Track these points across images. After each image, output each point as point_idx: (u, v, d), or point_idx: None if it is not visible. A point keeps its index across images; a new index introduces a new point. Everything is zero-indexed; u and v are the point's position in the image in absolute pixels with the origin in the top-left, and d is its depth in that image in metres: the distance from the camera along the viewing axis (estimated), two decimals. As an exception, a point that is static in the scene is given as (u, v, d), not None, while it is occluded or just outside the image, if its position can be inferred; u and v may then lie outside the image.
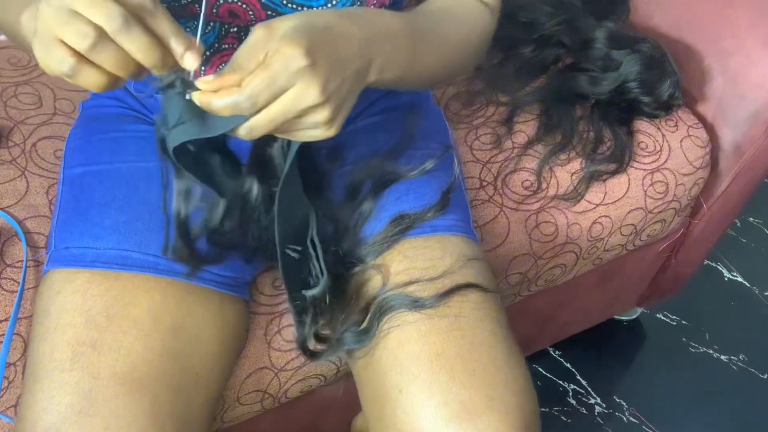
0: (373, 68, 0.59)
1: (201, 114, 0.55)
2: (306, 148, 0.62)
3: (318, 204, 0.74)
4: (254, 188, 0.68)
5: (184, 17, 0.74)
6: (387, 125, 0.83)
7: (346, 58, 0.55)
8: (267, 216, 0.70)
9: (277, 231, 0.68)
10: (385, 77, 0.61)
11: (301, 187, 0.70)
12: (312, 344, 0.75)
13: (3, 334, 0.76)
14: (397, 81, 0.63)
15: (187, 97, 0.54)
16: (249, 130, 0.54)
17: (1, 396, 0.75)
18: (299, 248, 0.71)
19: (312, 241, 0.72)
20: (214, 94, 0.52)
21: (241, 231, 0.71)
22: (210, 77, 0.53)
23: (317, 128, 0.55)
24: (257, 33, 0.53)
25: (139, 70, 0.53)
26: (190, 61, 0.53)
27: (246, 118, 0.53)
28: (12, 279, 0.80)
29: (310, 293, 0.73)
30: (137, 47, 0.51)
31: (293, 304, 0.74)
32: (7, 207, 0.84)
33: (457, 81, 1.04)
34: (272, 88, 0.51)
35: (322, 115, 0.54)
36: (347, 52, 0.55)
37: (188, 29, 0.75)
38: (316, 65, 0.52)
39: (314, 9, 0.70)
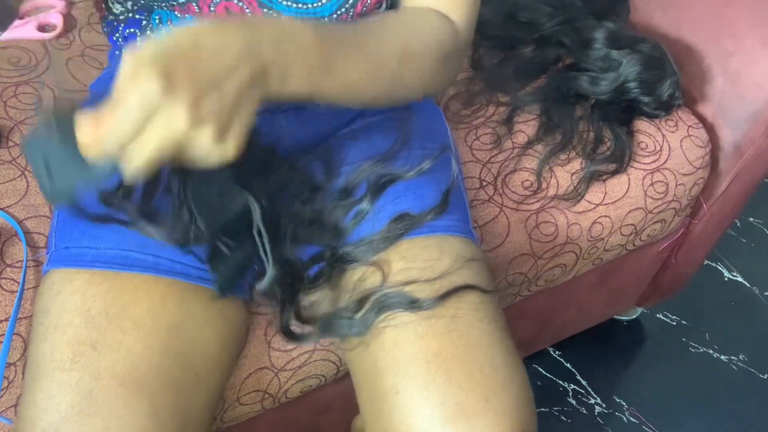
0: (272, 76, 0.54)
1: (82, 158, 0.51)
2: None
3: (310, 204, 0.73)
4: (174, 185, 0.64)
5: (183, 15, 0.74)
6: (385, 126, 0.83)
7: (220, 71, 0.50)
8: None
9: (204, 225, 0.63)
10: (293, 84, 0.56)
11: (230, 178, 0.64)
12: (296, 327, 0.73)
13: (3, 334, 0.76)
14: (314, 90, 0.59)
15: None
16: (130, 172, 0.50)
17: (1, 396, 0.75)
18: (231, 243, 0.67)
19: (259, 232, 0.67)
20: (88, 145, 0.50)
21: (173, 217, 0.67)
22: (88, 117, 0.50)
23: (209, 151, 0.51)
24: (124, 63, 0.49)
25: None
26: None
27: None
28: (12, 279, 0.80)
29: (259, 287, 0.69)
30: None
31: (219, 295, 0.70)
32: (7, 207, 0.84)
33: (457, 81, 1.04)
34: (133, 124, 0.48)
35: (204, 137, 0.49)
36: (221, 64, 0.50)
37: None
38: (175, 89, 0.47)
39: (308, 5, 0.70)
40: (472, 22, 0.75)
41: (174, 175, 0.64)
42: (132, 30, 0.78)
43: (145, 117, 0.48)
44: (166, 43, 0.49)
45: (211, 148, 0.51)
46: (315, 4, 0.70)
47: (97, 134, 0.49)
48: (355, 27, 0.65)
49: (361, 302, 0.71)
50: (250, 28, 0.53)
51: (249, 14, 0.68)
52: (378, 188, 0.75)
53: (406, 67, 0.67)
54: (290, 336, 0.74)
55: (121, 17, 0.79)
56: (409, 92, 0.71)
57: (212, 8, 0.70)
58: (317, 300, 0.76)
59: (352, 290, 0.73)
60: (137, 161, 0.50)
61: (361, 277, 0.73)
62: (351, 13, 0.71)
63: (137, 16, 0.78)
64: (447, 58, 0.71)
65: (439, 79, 0.73)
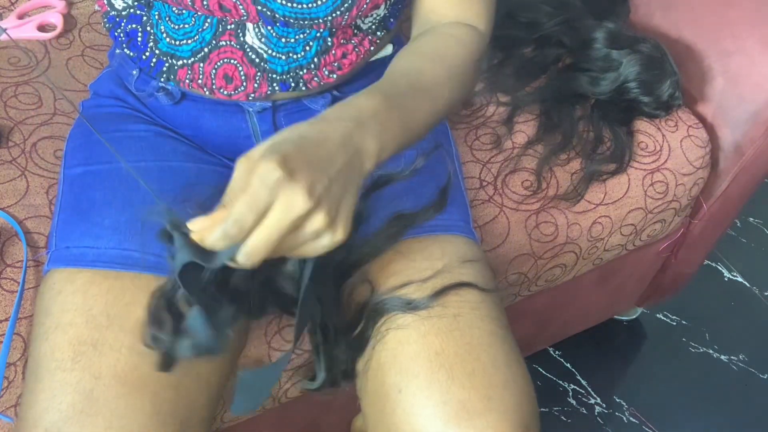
0: (366, 156, 0.58)
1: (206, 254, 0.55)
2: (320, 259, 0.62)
3: None
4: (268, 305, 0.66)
5: (180, 11, 0.74)
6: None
7: (327, 158, 0.55)
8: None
9: (294, 341, 0.66)
10: (384, 155, 0.61)
11: (316, 299, 0.67)
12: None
13: (3, 334, 0.76)
14: (401, 147, 0.63)
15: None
16: (247, 255, 0.53)
17: (1, 396, 0.75)
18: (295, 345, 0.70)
19: (315, 333, 0.71)
20: (206, 230, 0.53)
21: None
22: (201, 218, 0.53)
23: (321, 236, 0.54)
24: (239, 167, 0.53)
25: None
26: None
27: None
28: (12, 279, 0.80)
29: (308, 387, 0.72)
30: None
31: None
32: (7, 207, 0.84)
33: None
34: (255, 207, 0.51)
35: (318, 220, 0.53)
36: (326, 152, 0.55)
37: (187, 24, 0.75)
38: (294, 172, 0.51)
39: (303, 5, 0.70)
40: (492, 23, 0.78)
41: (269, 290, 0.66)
42: (133, 26, 0.78)
43: (266, 199, 0.51)
44: (275, 140, 0.54)
45: (324, 233, 0.54)
46: (310, 5, 0.70)
47: (212, 226, 0.52)
48: (410, 71, 0.69)
49: (359, 314, 0.71)
50: (338, 121, 0.58)
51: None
52: (372, 188, 0.75)
53: (454, 90, 0.71)
54: (337, 384, 0.74)
55: (123, 13, 0.79)
56: (457, 103, 0.75)
57: (205, 2, 0.70)
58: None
59: (350, 305, 0.73)
60: (256, 244, 0.52)
61: (357, 288, 0.73)
62: (346, 16, 0.72)
63: (138, 12, 0.78)
64: (478, 65, 0.75)
65: (473, 84, 0.77)
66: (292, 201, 0.51)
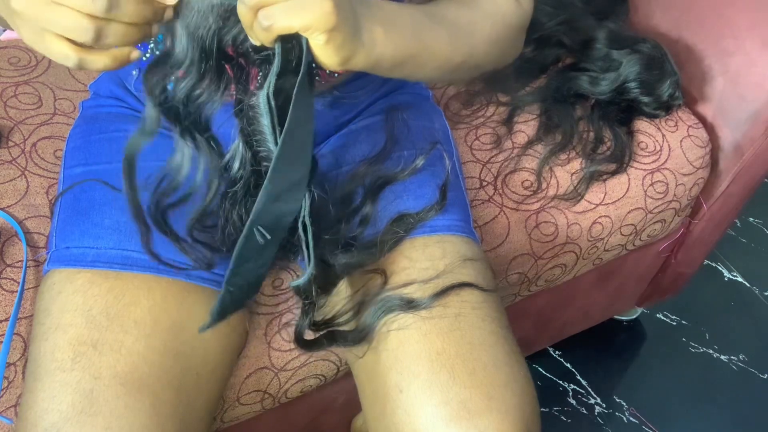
0: (375, 30, 0.57)
1: None
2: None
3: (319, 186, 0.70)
4: (238, 155, 0.60)
5: None
6: (384, 126, 0.83)
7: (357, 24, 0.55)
8: (245, 207, 0.64)
9: (261, 207, 0.57)
10: (386, 50, 0.59)
11: (306, 178, 0.60)
12: (308, 334, 0.73)
13: (3, 334, 0.76)
14: (405, 58, 0.61)
15: None
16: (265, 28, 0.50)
17: (1, 396, 0.75)
18: (268, 236, 0.60)
19: (303, 224, 0.64)
20: None
21: (214, 225, 0.65)
22: None
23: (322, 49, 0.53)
24: None
25: (144, 34, 0.51)
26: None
27: None
28: (12, 279, 0.80)
29: (295, 283, 0.68)
30: (132, 14, 0.49)
31: (228, 285, 0.62)
32: (7, 207, 0.84)
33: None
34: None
35: (324, 43, 0.52)
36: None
37: None
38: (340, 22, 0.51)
39: None
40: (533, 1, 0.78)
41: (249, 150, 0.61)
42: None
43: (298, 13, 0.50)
44: None
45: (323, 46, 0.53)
46: None
47: None
48: (439, 4, 0.68)
49: (360, 307, 0.71)
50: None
51: None
52: (375, 190, 0.75)
53: (484, 40, 0.70)
54: (303, 345, 0.73)
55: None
56: (486, 62, 0.73)
57: None
58: (321, 306, 0.76)
59: (353, 298, 0.73)
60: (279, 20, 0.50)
61: (361, 283, 0.73)
62: None
63: None
64: (515, 31, 0.75)
65: (510, 50, 0.76)
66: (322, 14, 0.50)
